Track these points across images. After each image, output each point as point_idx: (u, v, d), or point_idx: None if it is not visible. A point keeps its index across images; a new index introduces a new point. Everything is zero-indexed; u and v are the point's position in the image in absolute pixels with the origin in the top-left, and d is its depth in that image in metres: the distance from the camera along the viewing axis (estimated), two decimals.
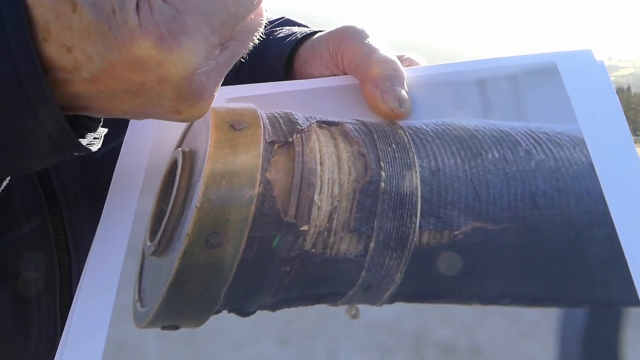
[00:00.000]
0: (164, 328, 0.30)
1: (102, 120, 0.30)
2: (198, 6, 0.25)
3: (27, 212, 0.40)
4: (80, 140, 0.28)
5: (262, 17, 0.29)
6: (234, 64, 0.28)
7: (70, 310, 0.32)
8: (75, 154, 0.28)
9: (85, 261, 0.36)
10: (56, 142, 0.26)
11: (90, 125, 0.29)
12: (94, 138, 0.30)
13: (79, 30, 0.23)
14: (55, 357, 0.30)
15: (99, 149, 0.31)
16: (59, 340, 0.42)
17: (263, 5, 0.29)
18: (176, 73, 0.25)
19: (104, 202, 0.36)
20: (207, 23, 0.25)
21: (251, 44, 0.29)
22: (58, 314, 0.41)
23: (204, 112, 0.28)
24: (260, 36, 0.30)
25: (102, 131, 0.31)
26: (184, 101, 0.27)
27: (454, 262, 0.29)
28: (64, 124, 0.26)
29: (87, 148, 0.29)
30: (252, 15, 0.28)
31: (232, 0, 0.26)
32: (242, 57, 0.30)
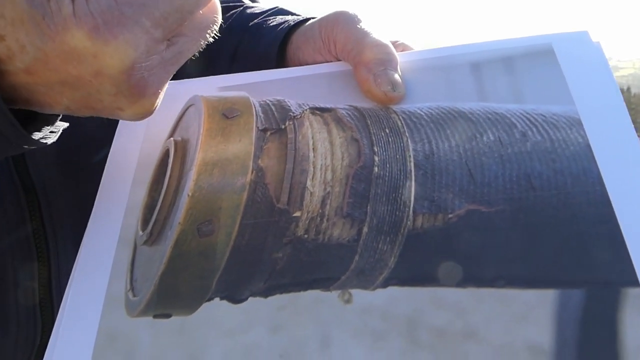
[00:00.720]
0: (155, 317, 0.30)
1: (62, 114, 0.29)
2: None
3: (2, 200, 0.39)
4: (36, 133, 0.27)
5: (217, 14, 0.28)
6: (183, 61, 0.27)
7: (63, 301, 0.32)
8: (25, 147, 0.28)
9: (65, 252, 0.35)
10: (1, 132, 0.26)
11: (49, 119, 0.28)
12: (51, 132, 0.29)
13: (12, 19, 0.23)
14: (48, 347, 0.30)
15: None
16: (40, 334, 0.42)
17: (216, 2, 0.28)
18: (112, 66, 0.24)
19: (85, 190, 0.36)
20: (148, 15, 0.24)
21: (203, 42, 0.28)
22: (38, 307, 0.41)
23: (148, 110, 0.27)
24: (256, 24, 0.29)
25: (61, 125, 0.30)
26: (124, 97, 0.26)
27: (448, 245, 0.29)
28: (6, 113, 0.25)
29: (38, 141, 0.28)
30: (203, 11, 0.27)
31: None
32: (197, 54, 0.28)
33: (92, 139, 0.39)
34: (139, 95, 0.26)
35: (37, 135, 0.28)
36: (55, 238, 0.42)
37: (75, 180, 0.42)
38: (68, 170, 0.42)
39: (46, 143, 0.29)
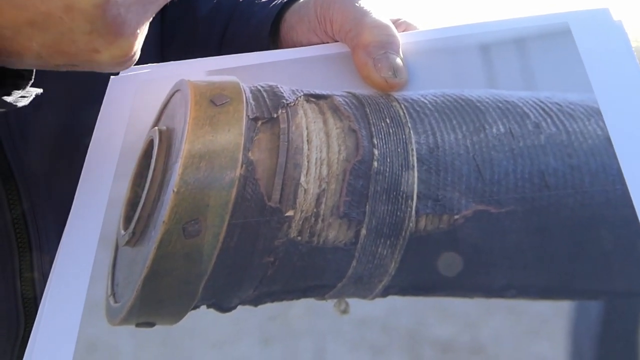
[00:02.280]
0: (138, 325, 0.28)
1: (33, 78, 0.27)
2: None
3: None
4: (5, 97, 0.26)
5: None
6: (162, 2, 0.25)
7: (40, 306, 0.30)
8: None
9: (45, 242, 0.33)
10: None
11: (18, 83, 0.26)
12: (21, 97, 0.27)
13: None
14: (24, 356, 0.28)
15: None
16: (24, 327, 0.40)
17: None
18: None
19: (66, 176, 0.33)
20: None
21: None
22: (20, 298, 0.39)
23: (126, 54, 0.25)
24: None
25: (33, 90, 0.28)
26: (100, 36, 0.24)
27: (454, 250, 0.26)
28: None
29: (8, 103, 0.26)
30: None
31: None
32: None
33: (78, 124, 0.37)
34: (115, 33, 0.24)
35: (8, 99, 0.26)
36: (37, 228, 0.40)
37: (59, 168, 0.40)
38: (51, 157, 0.40)
39: (16, 106, 0.27)
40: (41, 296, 0.35)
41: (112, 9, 0.23)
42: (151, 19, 0.26)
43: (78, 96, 0.38)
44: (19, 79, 0.26)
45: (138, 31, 0.25)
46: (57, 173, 0.40)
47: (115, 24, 0.24)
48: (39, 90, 0.28)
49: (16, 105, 0.27)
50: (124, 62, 0.26)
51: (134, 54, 0.26)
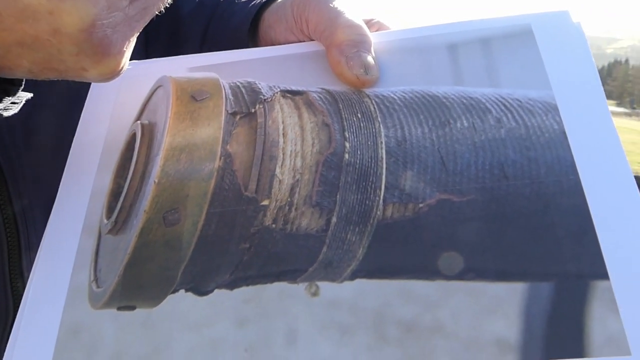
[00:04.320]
0: (119, 309, 0.29)
1: (23, 84, 0.28)
2: None
3: None
4: None
5: None
6: (149, 17, 0.26)
7: (25, 292, 0.31)
8: None
9: (34, 232, 0.34)
10: None
11: (8, 90, 0.27)
12: (12, 103, 0.28)
13: None
14: (9, 340, 0.29)
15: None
16: (12, 315, 0.41)
17: None
18: (71, 24, 0.23)
19: (57, 178, 0.34)
20: None
21: None
22: (9, 286, 0.40)
23: (114, 70, 0.26)
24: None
25: (24, 95, 0.29)
26: (87, 56, 0.24)
27: (418, 236, 0.28)
28: None
29: None
30: None
31: None
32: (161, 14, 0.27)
33: (69, 126, 0.38)
34: (102, 54, 0.25)
35: None
36: (28, 229, 0.41)
37: (50, 169, 0.41)
38: (42, 159, 0.41)
39: (3, 115, 0.28)
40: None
41: (99, 32, 0.24)
42: (137, 34, 0.26)
43: (70, 99, 0.39)
44: (8, 84, 0.27)
45: (125, 48, 0.26)
46: (49, 174, 0.41)
47: (102, 45, 0.24)
48: (29, 95, 0.29)
49: (2, 115, 0.27)
50: (113, 77, 0.26)
51: (122, 68, 0.26)
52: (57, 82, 0.36)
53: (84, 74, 0.26)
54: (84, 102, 0.38)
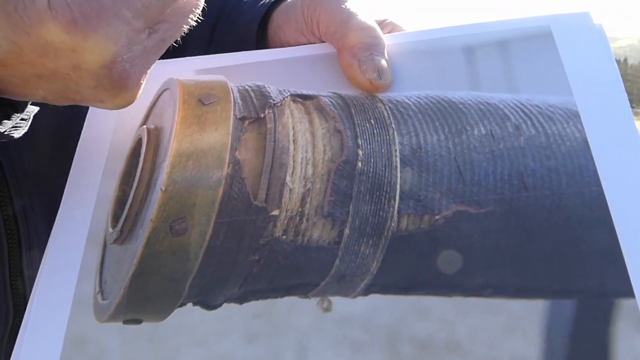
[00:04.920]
0: (125, 322, 0.28)
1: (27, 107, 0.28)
2: None
3: None
4: (5, 122, 0.26)
5: None
6: (165, 48, 0.26)
7: (29, 303, 0.30)
8: None
9: (34, 230, 0.34)
10: None
11: (17, 106, 0.27)
12: (21, 119, 0.27)
13: None
14: (13, 351, 0.29)
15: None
16: (12, 313, 0.41)
17: None
18: (92, 61, 0.23)
19: (58, 177, 0.34)
20: (129, 6, 0.22)
21: (186, 27, 0.26)
22: (8, 285, 0.40)
23: (129, 102, 0.26)
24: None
25: (32, 110, 0.28)
26: (105, 90, 0.24)
27: (434, 250, 0.27)
28: None
29: (6, 134, 0.27)
30: None
31: None
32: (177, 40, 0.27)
33: (71, 126, 0.38)
34: (120, 88, 0.25)
35: (6, 125, 0.26)
36: (28, 227, 0.40)
37: (51, 169, 0.41)
38: (44, 158, 0.40)
39: (13, 136, 0.27)
40: (30, 284, 0.35)
41: (118, 67, 0.24)
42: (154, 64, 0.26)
43: None
44: (9, 109, 0.27)
45: (142, 81, 0.26)
46: (50, 174, 0.40)
47: (121, 80, 0.24)
48: (36, 109, 0.29)
49: (10, 136, 0.27)
50: (127, 106, 0.27)
51: (136, 99, 0.27)
52: None
53: (99, 105, 0.26)
54: None
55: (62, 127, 0.39)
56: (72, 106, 0.38)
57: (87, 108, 0.37)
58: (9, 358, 0.28)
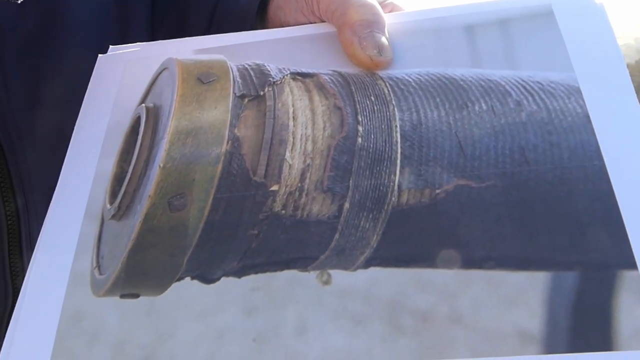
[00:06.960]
0: (123, 296, 0.28)
1: None
2: None
3: None
4: None
5: None
6: None
7: (25, 278, 0.30)
8: None
9: (36, 227, 0.33)
10: None
11: None
12: None
13: None
14: (9, 326, 0.28)
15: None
16: (11, 292, 0.40)
17: None
18: None
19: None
20: None
21: None
22: (9, 280, 0.39)
23: None
24: None
25: None
26: None
27: (435, 223, 0.27)
28: None
29: None
30: None
31: None
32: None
33: (73, 122, 0.37)
34: None
35: None
36: (30, 224, 0.40)
37: (54, 166, 0.40)
38: (46, 155, 0.40)
39: (17, 1, 0.26)
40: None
41: None
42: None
43: (75, 96, 0.38)
44: None
45: None
46: (52, 170, 0.40)
47: None
48: None
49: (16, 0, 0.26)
50: None
51: None
52: (63, 78, 0.34)
53: None
54: None
55: (63, 125, 0.39)
56: (73, 105, 0.38)
57: None
58: None
